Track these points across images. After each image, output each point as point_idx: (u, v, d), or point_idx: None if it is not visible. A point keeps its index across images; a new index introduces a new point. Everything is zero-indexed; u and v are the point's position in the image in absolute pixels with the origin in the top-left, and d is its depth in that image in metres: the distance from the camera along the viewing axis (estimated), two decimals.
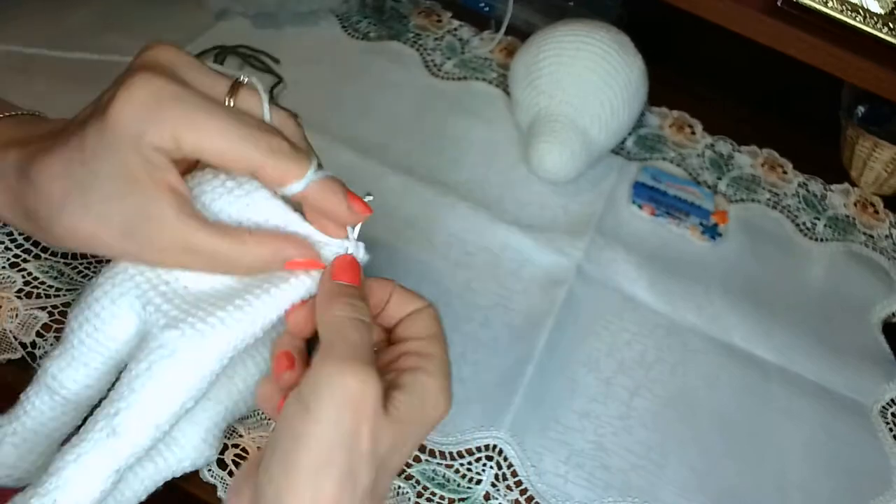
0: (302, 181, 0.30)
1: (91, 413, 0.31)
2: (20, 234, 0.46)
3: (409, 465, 0.42)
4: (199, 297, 0.32)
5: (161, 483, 0.35)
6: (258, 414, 0.42)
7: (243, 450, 0.40)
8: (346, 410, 0.27)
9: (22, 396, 0.33)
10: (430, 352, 0.32)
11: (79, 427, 0.31)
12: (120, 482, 0.32)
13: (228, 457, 0.40)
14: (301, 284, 0.32)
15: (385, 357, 0.32)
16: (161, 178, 0.29)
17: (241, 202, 0.32)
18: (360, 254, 0.34)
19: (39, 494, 0.29)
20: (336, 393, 0.27)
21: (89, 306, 0.33)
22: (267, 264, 0.32)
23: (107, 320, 0.32)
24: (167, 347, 0.30)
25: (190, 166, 0.33)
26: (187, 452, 0.35)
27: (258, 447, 0.40)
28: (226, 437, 0.40)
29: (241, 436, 0.41)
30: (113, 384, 0.31)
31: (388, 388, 0.29)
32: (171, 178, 0.30)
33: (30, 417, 0.33)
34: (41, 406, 0.33)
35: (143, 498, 0.34)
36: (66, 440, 0.31)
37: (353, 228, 0.34)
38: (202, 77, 0.31)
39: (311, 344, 0.33)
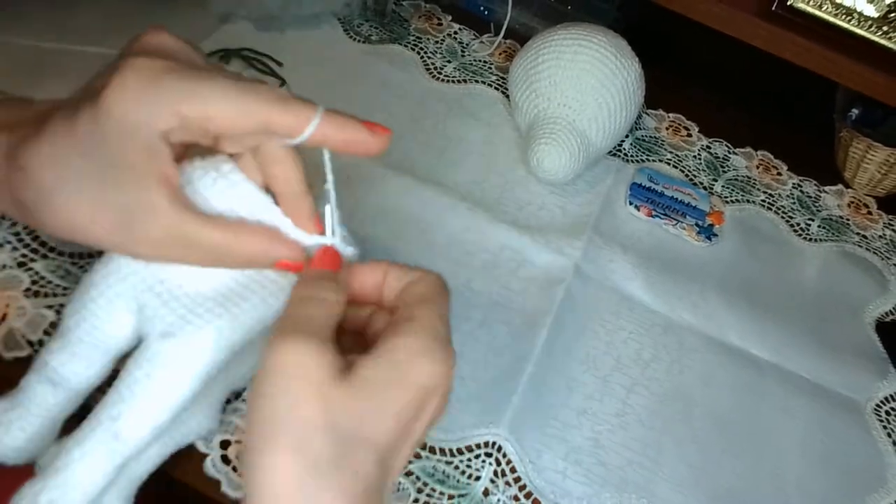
0: (314, 120, 0.30)
1: (92, 398, 0.33)
2: (27, 234, 0.47)
3: (409, 461, 0.43)
4: (194, 299, 0.33)
5: (168, 457, 0.37)
6: None
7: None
8: (288, 382, 0.27)
9: (23, 383, 0.34)
10: (413, 314, 0.30)
11: (82, 407, 0.33)
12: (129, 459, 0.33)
13: (232, 453, 0.41)
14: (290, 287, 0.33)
15: (375, 327, 0.32)
16: (157, 168, 0.29)
17: (226, 195, 0.32)
18: (347, 250, 0.34)
19: (49, 488, 0.31)
20: (276, 367, 0.27)
21: (85, 306, 0.34)
22: (256, 260, 0.32)
23: (104, 319, 0.34)
24: (165, 355, 0.32)
25: (179, 156, 0.32)
26: (192, 428, 0.37)
27: None
28: (229, 433, 0.41)
29: (244, 431, 0.41)
30: (113, 372, 0.33)
31: (361, 357, 0.28)
32: (167, 168, 0.29)
33: (34, 405, 0.34)
34: (44, 395, 0.34)
35: (152, 470, 0.36)
36: (71, 418, 0.33)
37: (330, 225, 0.34)
38: (196, 59, 0.31)
39: None
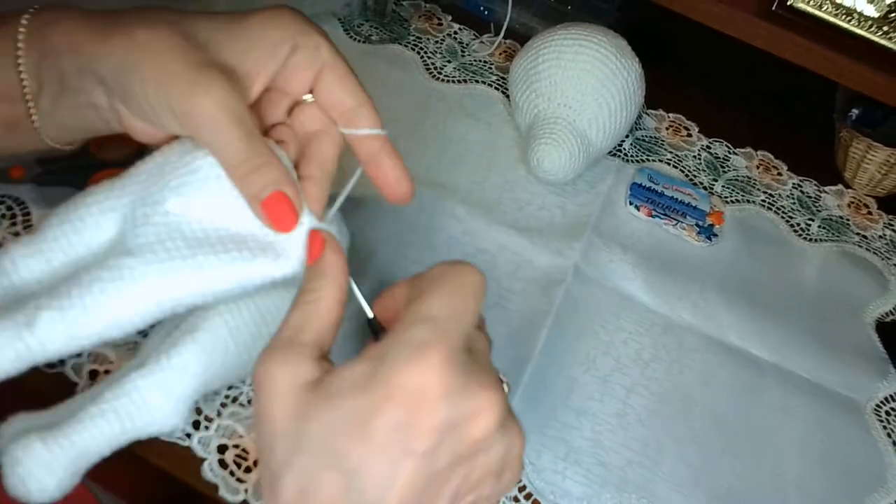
0: (381, 130, 0.37)
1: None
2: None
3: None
4: (170, 233, 0.32)
5: (126, 443, 0.35)
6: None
7: (244, 450, 0.41)
8: (261, 393, 0.27)
9: None
10: (400, 318, 0.28)
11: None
12: (85, 434, 0.33)
13: (229, 457, 0.41)
14: (266, 267, 0.33)
15: None
16: (260, 66, 0.33)
17: None
18: (335, 230, 0.35)
19: None
20: (256, 377, 0.28)
21: (77, 208, 0.33)
22: (257, 176, 0.32)
23: (89, 226, 0.33)
24: (116, 271, 0.31)
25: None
26: (156, 419, 0.35)
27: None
28: (227, 437, 0.41)
29: (241, 436, 0.41)
30: None
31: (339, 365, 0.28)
32: (261, 75, 0.34)
33: None
34: None
35: (107, 453, 0.34)
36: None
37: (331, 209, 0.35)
38: None
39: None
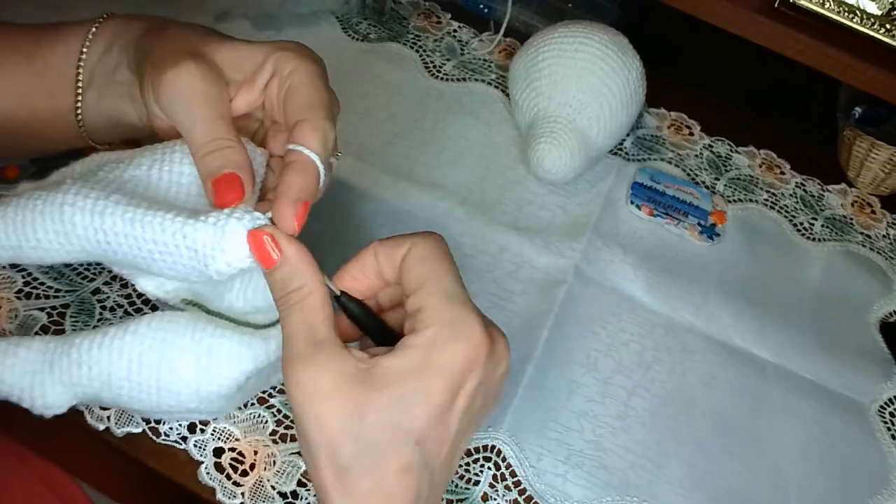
0: (312, 154, 0.33)
1: None
2: None
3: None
4: (123, 181, 0.34)
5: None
6: (252, 417, 0.42)
7: (240, 453, 0.40)
8: (307, 399, 0.29)
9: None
10: (419, 305, 0.30)
11: None
12: None
13: (226, 461, 0.40)
14: (197, 234, 0.32)
15: (400, 323, 0.32)
16: (240, 71, 0.35)
17: None
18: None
19: None
20: (295, 387, 0.29)
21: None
22: (218, 155, 0.33)
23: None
24: (55, 186, 0.33)
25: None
26: (41, 397, 0.35)
27: (255, 451, 0.41)
28: (223, 440, 0.41)
29: (237, 439, 0.41)
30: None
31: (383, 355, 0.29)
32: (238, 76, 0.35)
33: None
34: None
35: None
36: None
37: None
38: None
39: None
